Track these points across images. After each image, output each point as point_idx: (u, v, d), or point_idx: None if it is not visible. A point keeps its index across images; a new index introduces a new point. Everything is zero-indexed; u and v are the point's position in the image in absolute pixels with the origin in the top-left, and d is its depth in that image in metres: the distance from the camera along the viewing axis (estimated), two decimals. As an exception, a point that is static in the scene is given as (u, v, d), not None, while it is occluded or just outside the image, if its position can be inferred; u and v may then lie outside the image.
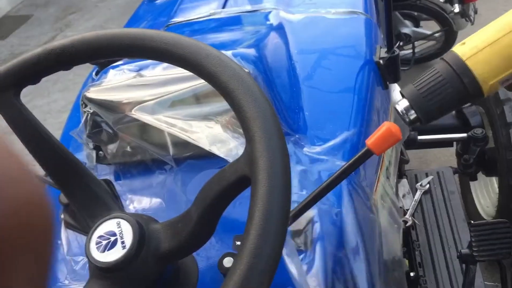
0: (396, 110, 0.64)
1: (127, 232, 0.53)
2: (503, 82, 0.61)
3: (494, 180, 1.86)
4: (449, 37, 2.51)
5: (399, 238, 0.87)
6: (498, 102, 1.57)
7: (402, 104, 0.64)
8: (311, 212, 0.67)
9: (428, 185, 1.45)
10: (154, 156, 0.78)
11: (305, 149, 0.76)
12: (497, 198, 1.73)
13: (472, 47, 0.61)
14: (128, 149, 0.79)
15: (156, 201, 0.76)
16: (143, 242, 0.53)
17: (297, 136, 0.78)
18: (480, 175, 1.80)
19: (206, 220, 0.52)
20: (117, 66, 0.83)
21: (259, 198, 0.43)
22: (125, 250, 0.52)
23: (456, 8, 2.23)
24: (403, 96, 0.64)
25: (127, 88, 0.76)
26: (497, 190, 1.77)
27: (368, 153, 0.61)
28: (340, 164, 0.73)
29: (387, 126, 0.60)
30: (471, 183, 1.89)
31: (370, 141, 0.60)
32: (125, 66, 0.81)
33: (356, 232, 0.69)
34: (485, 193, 1.91)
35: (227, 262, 0.64)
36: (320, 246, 0.66)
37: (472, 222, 0.93)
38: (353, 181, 0.74)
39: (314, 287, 0.62)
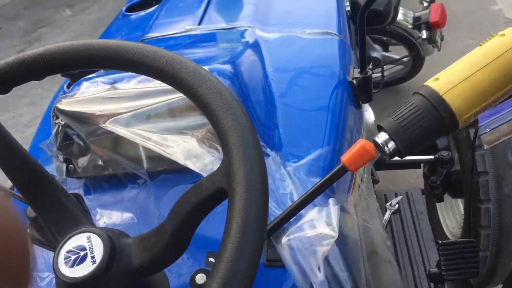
0: (375, 142, 0.66)
1: (97, 247, 0.52)
2: (476, 115, 0.64)
3: (460, 202, 1.90)
4: (417, 62, 2.59)
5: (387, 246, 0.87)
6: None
7: (381, 136, 0.66)
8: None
9: (397, 205, 1.47)
10: (126, 170, 0.76)
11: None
12: (462, 220, 1.77)
13: (447, 83, 0.64)
14: (100, 162, 0.77)
15: (127, 216, 0.74)
16: (114, 257, 0.51)
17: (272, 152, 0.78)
18: (446, 197, 1.84)
19: (180, 233, 0.51)
20: (91, 78, 0.82)
21: (236, 211, 0.43)
22: (95, 265, 0.50)
23: (424, 34, 2.30)
24: (381, 129, 0.67)
25: (100, 101, 0.75)
26: (462, 211, 1.81)
27: (343, 170, 0.61)
28: (314, 181, 0.73)
29: (362, 143, 0.61)
30: (437, 204, 1.93)
31: (345, 157, 0.61)
32: (99, 79, 0.80)
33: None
34: (451, 214, 1.96)
35: (200, 278, 0.63)
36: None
37: (440, 241, 0.95)
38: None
39: None
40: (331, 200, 0.64)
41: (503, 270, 1.59)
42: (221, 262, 0.41)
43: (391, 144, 0.65)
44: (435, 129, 0.65)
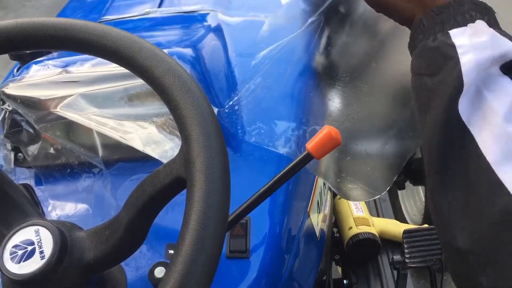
0: None
1: (46, 241, 0.48)
2: None
3: (421, 189, 1.93)
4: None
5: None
6: (425, 114, 1.63)
7: None
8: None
9: (361, 193, 1.48)
10: (80, 159, 0.72)
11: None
12: (423, 207, 1.80)
13: None
14: (51, 150, 0.72)
15: (82, 207, 0.70)
16: (65, 252, 0.48)
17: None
18: (408, 184, 1.87)
19: (136, 226, 0.48)
20: (41, 61, 0.77)
21: (195, 201, 0.40)
22: (44, 261, 0.47)
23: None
24: None
25: (51, 85, 0.70)
26: (423, 198, 1.85)
27: (308, 157, 0.59)
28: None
29: (327, 130, 0.58)
30: (399, 192, 1.96)
31: (310, 144, 0.59)
32: (50, 62, 0.75)
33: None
34: (412, 201, 1.99)
35: (159, 272, 0.60)
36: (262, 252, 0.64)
37: (404, 229, 0.95)
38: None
39: None
40: None
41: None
42: (179, 256, 0.38)
43: None
44: None
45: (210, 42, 0.88)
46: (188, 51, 0.78)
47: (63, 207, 0.70)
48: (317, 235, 0.86)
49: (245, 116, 0.80)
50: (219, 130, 0.45)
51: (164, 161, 0.62)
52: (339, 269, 1.19)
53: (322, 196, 0.94)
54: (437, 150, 0.44)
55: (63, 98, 0.68)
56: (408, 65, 0.51)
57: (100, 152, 0.71)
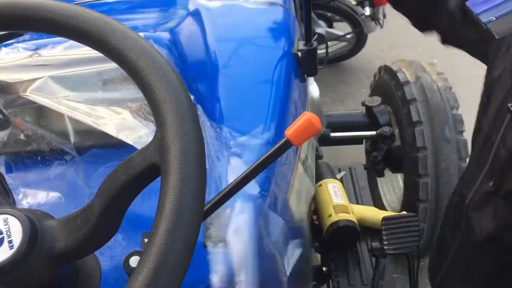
0: None
1: (15, 230, 0.46)
2: None
3: (399, 177, 1.95)
4: (360, 39, 2.61)
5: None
6: (405, 102, 1.64)
7: None
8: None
9: (341, 180, 1.48)
10: (52, 145, 0.70)
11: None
12: (402, 194, 1.82)
13: None
14: (22, 136, 0.70)
15: (54, 195, 0.68)
16: (35, 241, 0.47)
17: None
18: (387, 172, 1.88)
19: (110, 214, 0.47)
20: (11, 44, 0.74)
21: (170, 189, 0.39)
22: (12, 251, 0.45)
23: (367, 11, 2.32)
24: None
25: (21, 69, 0.68)
26: (402, 186, 1.86)
27: (287, 144, 0.58)
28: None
29: (307, 116, 0.58)
30: (378, 179, 1.98)
31: (289, 131, 0.58)
32: (20, 44, 0.72)
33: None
34: (391, 189, 2.01)
35: (134, 261, 0.59)
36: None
37: (383, 216, 0.95)
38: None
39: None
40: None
41: (439, 242, 1.66)
42: (153, 245, 0.37)
43: None
44: None
45: (188, 26, 0.87)
46: (165, 35, 0.76)
47: (34, 195, 0.68)
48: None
49: (223, 102, 0.79)
50: (195, 115, 0.44)
51: (139, 147, 0.60)
52: (318, 256, 1.20)
53: (302, 183, 0.94)
54: None
55: (32, 81, 0.65)
56: None
57: (72, 138, 0.69)
